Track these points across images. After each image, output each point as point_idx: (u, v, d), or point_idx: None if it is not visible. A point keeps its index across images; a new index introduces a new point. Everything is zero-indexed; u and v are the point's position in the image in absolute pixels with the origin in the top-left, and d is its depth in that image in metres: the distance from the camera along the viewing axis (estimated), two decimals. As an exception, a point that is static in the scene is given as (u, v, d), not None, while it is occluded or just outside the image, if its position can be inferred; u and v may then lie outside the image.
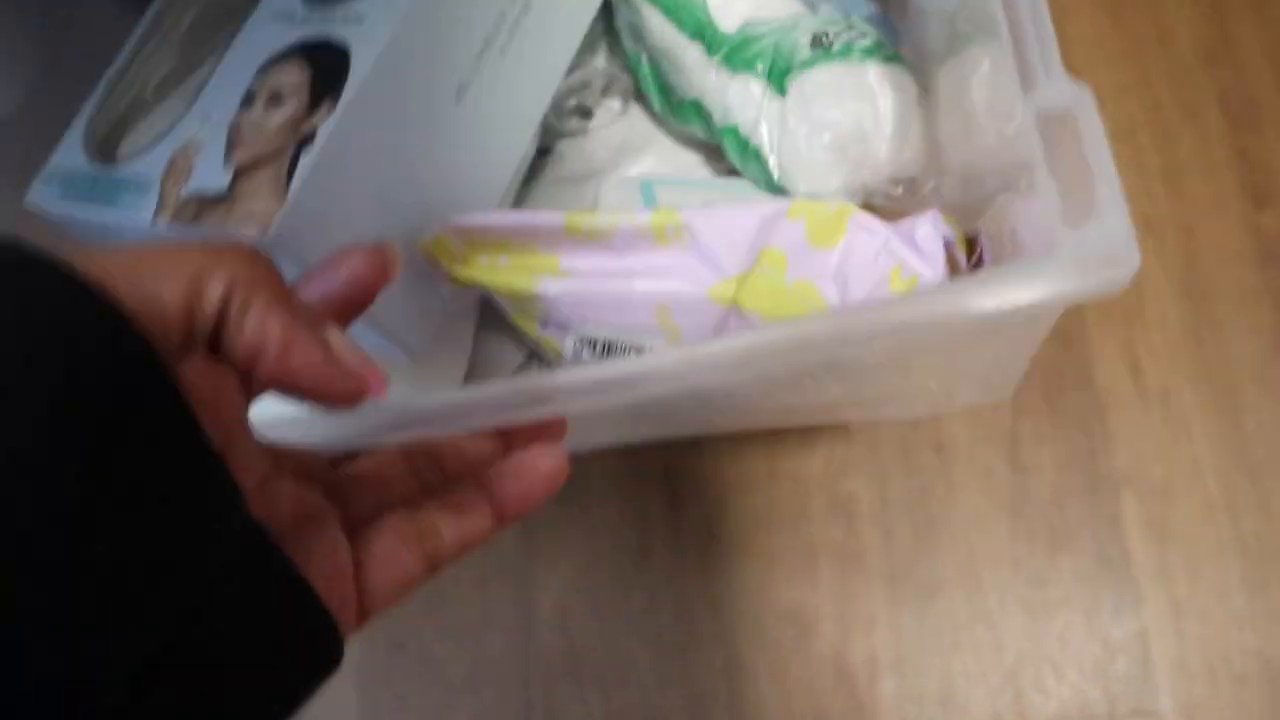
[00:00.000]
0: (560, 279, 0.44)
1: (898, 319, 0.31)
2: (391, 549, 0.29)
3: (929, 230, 0.42)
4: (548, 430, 0.32)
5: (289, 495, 0.28)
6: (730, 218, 0.42)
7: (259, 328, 0.23)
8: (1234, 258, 0.88)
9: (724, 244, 0.42)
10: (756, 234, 0.42)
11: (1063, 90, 0.33)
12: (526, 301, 0.46)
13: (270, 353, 0.23)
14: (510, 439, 0.32)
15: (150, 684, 0.20)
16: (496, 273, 0.44)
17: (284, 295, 0.24)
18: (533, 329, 0.50)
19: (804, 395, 0.53)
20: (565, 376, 0.30)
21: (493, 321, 0.57)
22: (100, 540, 0.19)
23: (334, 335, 0.25)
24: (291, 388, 0.24)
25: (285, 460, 0.29)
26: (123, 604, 0.19)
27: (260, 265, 0.24)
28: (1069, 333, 0.87)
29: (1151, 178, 0.89)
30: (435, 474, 0.32)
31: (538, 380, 0.30)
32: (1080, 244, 0.31)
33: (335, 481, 0.30)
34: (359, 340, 0.27)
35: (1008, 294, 0.31)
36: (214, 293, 0.22)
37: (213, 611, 0.21)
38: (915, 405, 0.66)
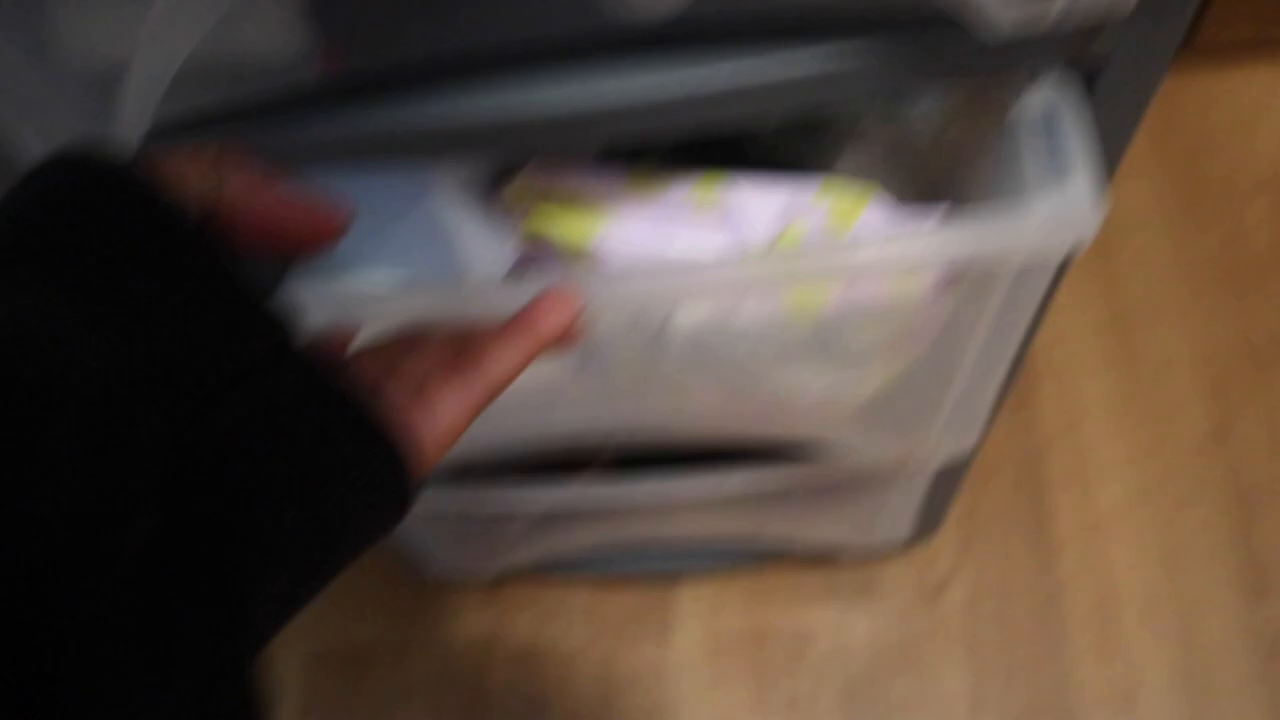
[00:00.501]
0: (613, 230, 0.51)
1: (902, 246, 0.40)
2: (444, 377, 0.33)
3: (937, 222, 0.47)
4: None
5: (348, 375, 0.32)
6: (762, 195, 0.50)
7: (240, 181, 0.28)
8: (1233, 650, 0.85)
9: (753, 219, 0.50)
10: (784, 212, 0.50)
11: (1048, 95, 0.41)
12: (581, 248, 0.52)
13: (253, 197, 0.29)
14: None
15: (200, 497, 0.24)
16: (560, 222, 0.52)
17: (253, 163, 0.29)
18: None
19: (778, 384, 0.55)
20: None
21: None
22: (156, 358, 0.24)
23: (307, 189, 0.30)
24: (276, 231, 0.30)
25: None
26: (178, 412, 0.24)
27: (232, 149, 0.29)
28: None
29: (1150, 557, 0.89)
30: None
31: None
32: (1053, 204, 0.39)
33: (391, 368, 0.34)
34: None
35: (989, 235, 0.39)
36: (206, 159, 0.28)
37: (268, 422, 0.26)
38: (884, 445, 0.65)
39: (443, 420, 0.32)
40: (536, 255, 0.56)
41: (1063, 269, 0.48)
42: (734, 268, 0.42)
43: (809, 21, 0.37)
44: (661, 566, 0.90)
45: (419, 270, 0.57)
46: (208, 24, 0.36)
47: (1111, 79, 0.40)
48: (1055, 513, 0.92)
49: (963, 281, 0.48)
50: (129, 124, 0.40)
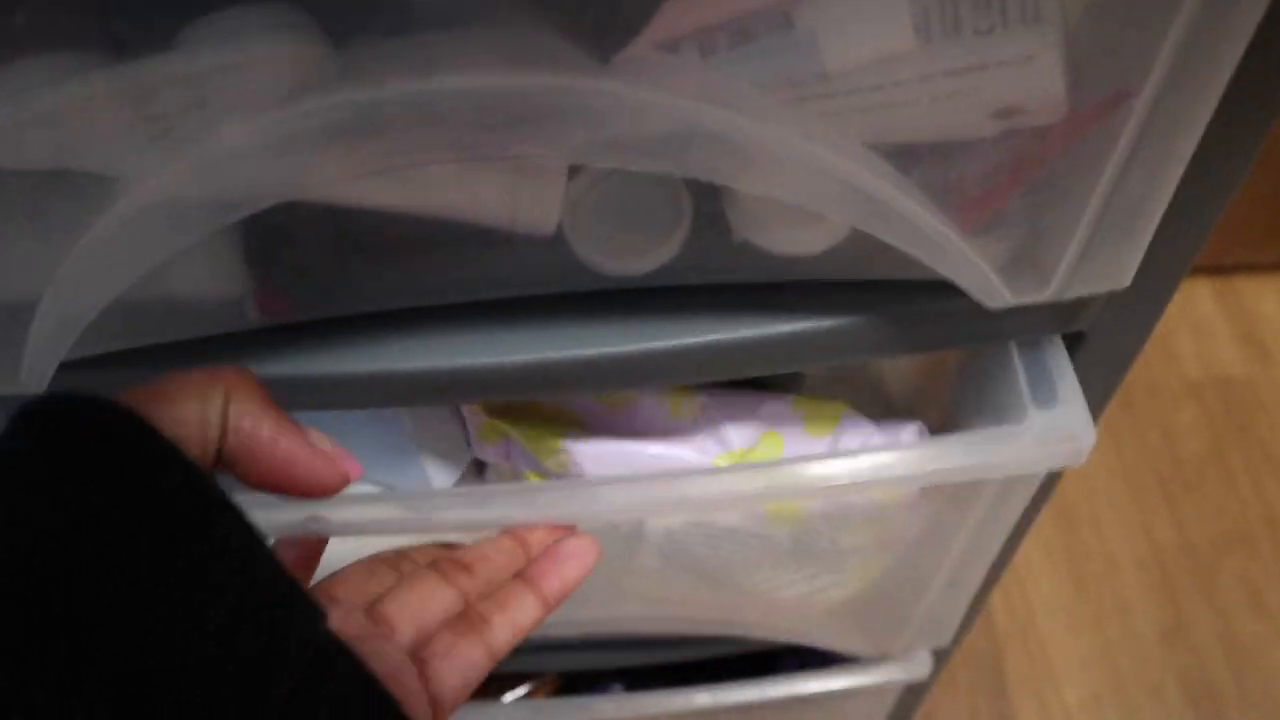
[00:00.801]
0: (584, 436, 0.48)
1: (892, 461, 0.36)
2: (450, 642, 0.31)
3: (912, 435, 0.47)
4: (563, 529, 0.36)
5: (339, 618, 0.30)
6: (741, 401, 0.48)
7: (253, 424, 0.27)
8: None
9: (733, 423, 0.48)
10: (762, 418, 0.48)
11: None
12: (550, 454, 0.49)
13: (263, 442, 0.27)
14: (526, 541, 0.36)
15: None
16: (529, 425, 0.49)
17: (270, 402, 0.28)
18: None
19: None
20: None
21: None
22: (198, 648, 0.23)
23: (312, 432, 0.29)
24: (282, 477, 0.28)
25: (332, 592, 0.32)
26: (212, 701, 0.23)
27: (249, 379, 0.28)
28: None
29: (1121, 760, 0.87)
30: (467, 578, 0.34)
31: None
32: (1047, 421, 0.37)
33: (378, 610, 0.32)
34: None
35: (987, 452, 0.36)
36: (216, 401, 0.27)
37: (293, 705, 0.24)
38: (858, 645, 0.62)
39: (445, 697, 0.30)
40: (507, 453, 0.53)
41: (1050, 483, 0.45)
42: (716, 482, 0.38)
43: (802, 282, 0.35)
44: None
45: (382, 478, 0.53)
46: (136, 273, 0.32)
47: (1098, 340, 0.38)
48: (1018, 713, 0.89)
49: (947, 491, 0.46)
50: (33, 362, 0.36)
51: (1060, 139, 0.29)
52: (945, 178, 0.30)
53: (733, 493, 0.37)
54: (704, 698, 0.63)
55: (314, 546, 0.36)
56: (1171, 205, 0.31)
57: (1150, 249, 0.32)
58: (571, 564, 0.35)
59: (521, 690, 0.70)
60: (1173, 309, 1.16)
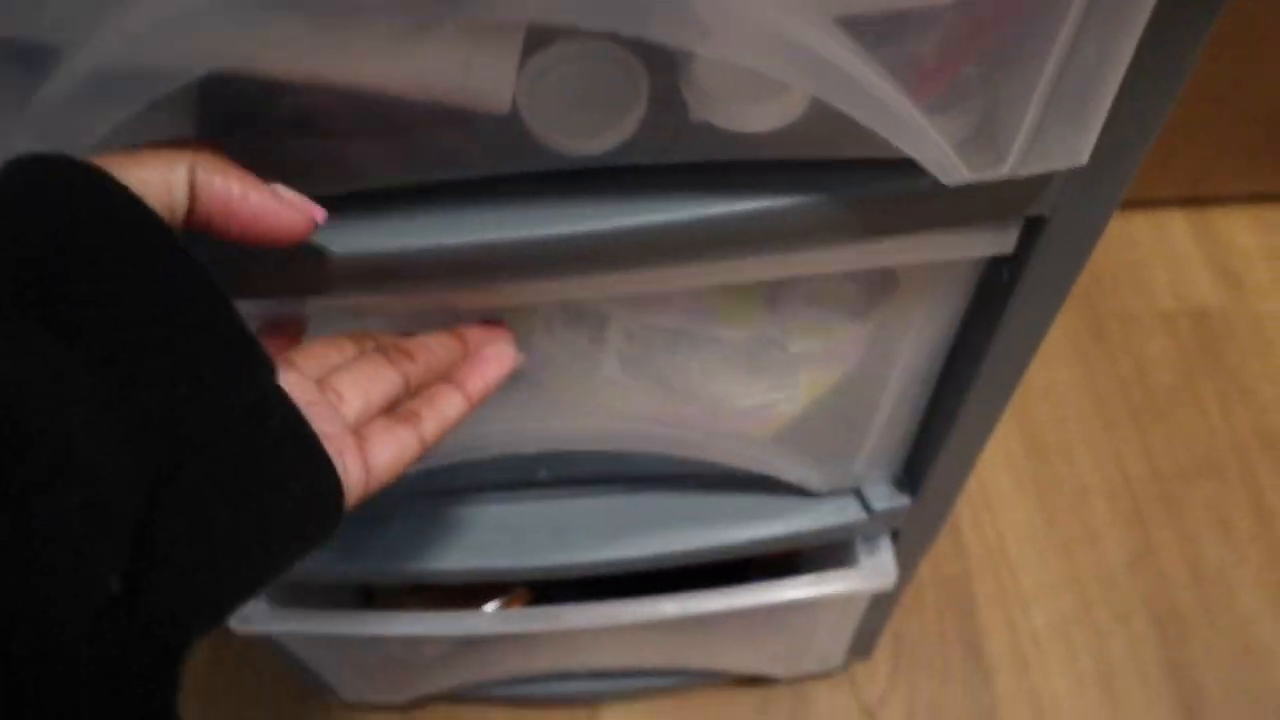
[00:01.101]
0: None
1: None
2: (387, 425, 0.35)
3: None
4: (494, 331, 0.41)
5: (293, 380, 0.33)
6: None
7: (223, 183, 0.29)
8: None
9: None
10: None
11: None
12: None
13: (235, 198, 0.29)
14: (464, 338, 0.40)
15: (170, 500, 0.26)
16: None
17: (235, 164, 0.30)
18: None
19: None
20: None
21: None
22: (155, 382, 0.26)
23: (277, 186, 0.31)
24: (257, 228, 0.30)
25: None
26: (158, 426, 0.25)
27: (214, 145, 0.30)
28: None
29: (1085, 680, 0.87)
30: (410, 364, 0.37)
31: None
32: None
33: (329, 382, 0.35)
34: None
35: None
36: (181, 168, 0.29)
37: (238, 442, 0.28)
38: (808, 473, 0.63)
39: (378, 469, 0.34)
40: None
41: (988, 306, 0.45)
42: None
43: (761, 162, 0.35)
44: (584, 689, 0.85)
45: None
46: (80, 148, 0.32)
47: (1059, 225, 0.38)
48: (986, 635, 0.90)
49: (890, 293, 0.46)
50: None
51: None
52: (901, 48, 0.29)
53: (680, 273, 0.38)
54: (671, 607, 0.64)
55: (294, 331, 0.39)
56: (1126, 83, 0.30)
57: (1106, 128, 0.32)
58: (492, 365, 0.39)
59: (496, 603, 0.70)
60: (1147, 240, 1.16)
